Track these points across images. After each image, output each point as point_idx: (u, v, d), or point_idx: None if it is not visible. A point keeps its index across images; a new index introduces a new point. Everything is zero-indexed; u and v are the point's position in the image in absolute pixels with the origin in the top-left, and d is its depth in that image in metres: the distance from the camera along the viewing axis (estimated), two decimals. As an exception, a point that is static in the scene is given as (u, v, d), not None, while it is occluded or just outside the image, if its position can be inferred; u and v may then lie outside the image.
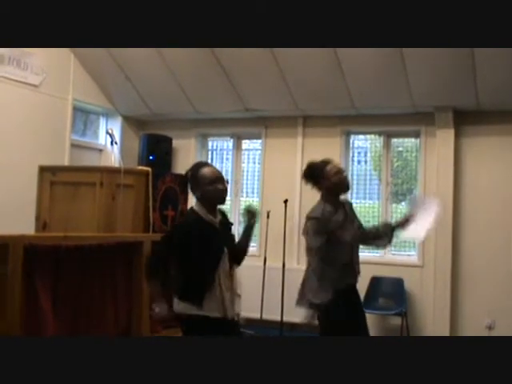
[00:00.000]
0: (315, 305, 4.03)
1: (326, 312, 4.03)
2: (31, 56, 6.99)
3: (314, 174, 4.19)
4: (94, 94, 8.09)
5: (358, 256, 4.27)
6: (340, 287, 4.06)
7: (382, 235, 4.30)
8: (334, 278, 4.06)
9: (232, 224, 3.90)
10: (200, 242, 3.51)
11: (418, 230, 4.30)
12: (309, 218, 4.15)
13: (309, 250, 4.08)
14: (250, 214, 3.76)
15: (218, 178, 3.60)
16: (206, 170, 3.60)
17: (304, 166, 4.32)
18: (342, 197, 4.31)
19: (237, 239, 3.88)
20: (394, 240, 4.42)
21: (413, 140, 7.74)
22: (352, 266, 4.20)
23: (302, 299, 4.17)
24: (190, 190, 3.73)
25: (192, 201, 7.04)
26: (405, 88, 6.83)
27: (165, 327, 5.48)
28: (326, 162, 4.27)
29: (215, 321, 3.49)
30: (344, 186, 4.21)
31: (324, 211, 4.11)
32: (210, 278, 3.53)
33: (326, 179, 4.14)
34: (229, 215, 3.94)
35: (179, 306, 3.53)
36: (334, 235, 4.07)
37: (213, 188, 3.55)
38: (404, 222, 4.29)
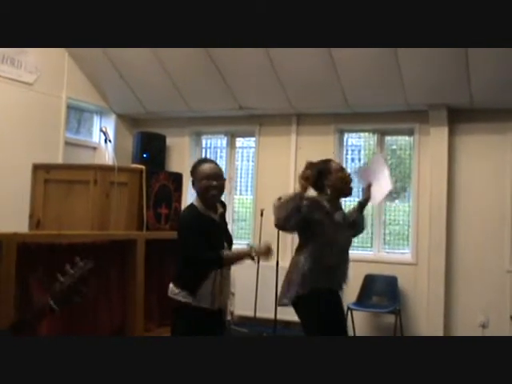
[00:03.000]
0: (293, 298, 3.99)
1: (308, 309, 3.99)
2: (25, 54, 6.97)
3: (319, 169, 4.08)
4: (88, 92, 8.08)
5: (347, 263, 4.18)
6: (322, 288, 3.97)
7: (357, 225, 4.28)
8: (318, 278, 3.97)
9: (226, 224, 3.94)
10: (199, 236, 3.56)
11: (381, 191, 4.31)
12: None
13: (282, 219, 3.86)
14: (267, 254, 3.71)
15: (214, 175, 3.65)
16: (204, 166, 3.68)
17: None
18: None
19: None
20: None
21: (406, 138, 7.76)
22: (340, 271, 4.09)
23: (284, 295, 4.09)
24: (192, 186, 3.78)
25: (187, 199, 7.07)
26: (398, 86, 6.84)
27: (159, 326, 5.49)
28: (328, 160, 4.23)
29: (203, 311, 3.59)
30: (348, 185, 4.12)
31: (319, 200, 4.03)
32: (207, 270, 3.61)
33: (331, 174, 4.06)
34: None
35: (173, 292, 3.64)
36: (319, 227, 3.95)
37: (206, 184, 3.61)
38: (366, 195, 4.27)
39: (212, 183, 3.61)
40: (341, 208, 4.20)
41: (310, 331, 3.96)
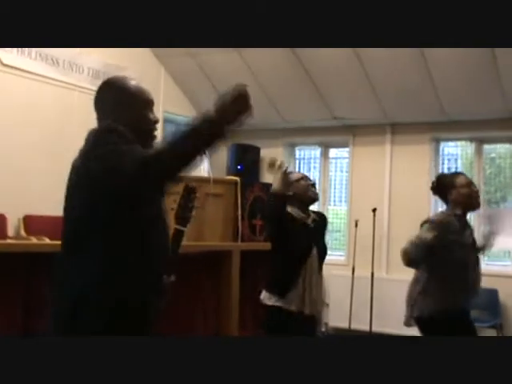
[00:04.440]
0: (414, 317, 3.85)
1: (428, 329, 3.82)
2: (123, 70, 7.19)
3: (443, 183, 4.00)
4: (183, 105, 8.25)
5: (478, 278, 3.99)
6: (447, 307, 3.80)
7: None
8: (440, 294, 3.81)
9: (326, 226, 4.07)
10: (289, 236, 3.70)
11: (505, 241, 4.08)
12: (426, 221, 3.92)
13: (415, 245, 3.74)
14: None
15: (307, 177, 3.92)
16: (295, 174, 3.92)
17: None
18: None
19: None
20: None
21: (507, 146, 7.49)
22: (467, 288, 3.91)
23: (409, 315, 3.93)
24: None
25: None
26: (498, 91, 6.61)
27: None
28: (457, 174, 4.16)
29: (291, 314, 3.64)
30: (474, 201, 3.94)
31: (447, 220, 3.88)
32: (296, 272, 3.69)
33: (455, 189, 3.92)
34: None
35: (264, 297, 3.76)
36: (448, 251, 3.80)
37: (305, 184, 3.82)
38: (487, 241, 4.09)
39: (310, 182, 3.85)
40: (469, 226, 4.06)
41: None
